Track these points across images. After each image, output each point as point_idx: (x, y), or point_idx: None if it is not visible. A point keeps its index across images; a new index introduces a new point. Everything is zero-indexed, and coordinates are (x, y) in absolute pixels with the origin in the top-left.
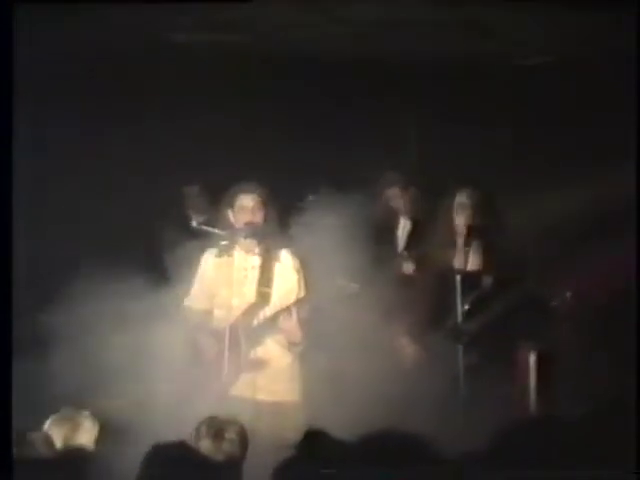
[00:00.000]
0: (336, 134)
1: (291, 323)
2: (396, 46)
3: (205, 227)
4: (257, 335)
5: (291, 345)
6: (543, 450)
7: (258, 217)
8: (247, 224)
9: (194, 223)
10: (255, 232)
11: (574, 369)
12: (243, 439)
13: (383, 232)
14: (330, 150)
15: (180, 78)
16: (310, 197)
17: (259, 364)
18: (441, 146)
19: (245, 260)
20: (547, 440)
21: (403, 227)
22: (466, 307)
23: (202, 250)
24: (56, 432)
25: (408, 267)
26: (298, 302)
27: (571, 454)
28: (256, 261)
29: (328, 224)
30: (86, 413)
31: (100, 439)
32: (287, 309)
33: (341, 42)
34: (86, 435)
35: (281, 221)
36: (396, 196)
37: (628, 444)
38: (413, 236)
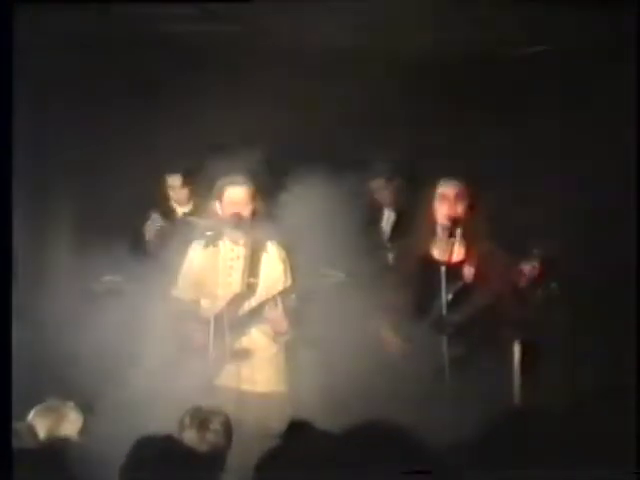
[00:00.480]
0: (321, 123)
1: (277, 313)
2: (385, 35)
3: (191, 218)
4: (242, 325)
5: (277, 335)
6: (528, 441)
7: (246, 210)
8: (234, 216)
9: (180, 214)
10: (241, 224)
11: (560, 359)
12: (227, 430)
13: (368, 223)
14: (315, 139)
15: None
16: (295, 187)
17: (244, 354)
18: (428, 136)
19: (232, 251)
20: (533, 431)
21: (387, 218)
22: (450, 297)
23: (189, 241)
24: (40, 423)
25: (392, 258)
26: (284, 292)
27: (556, 445)
28: (242, 252)
29: (312, 214)
30: (71, 404)
31: (84, 430)
32: (273, 299)
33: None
34: (70, 426)
35: (268, 213)
36: (381, 187)
37: (619, 438)
38: (397, 227)
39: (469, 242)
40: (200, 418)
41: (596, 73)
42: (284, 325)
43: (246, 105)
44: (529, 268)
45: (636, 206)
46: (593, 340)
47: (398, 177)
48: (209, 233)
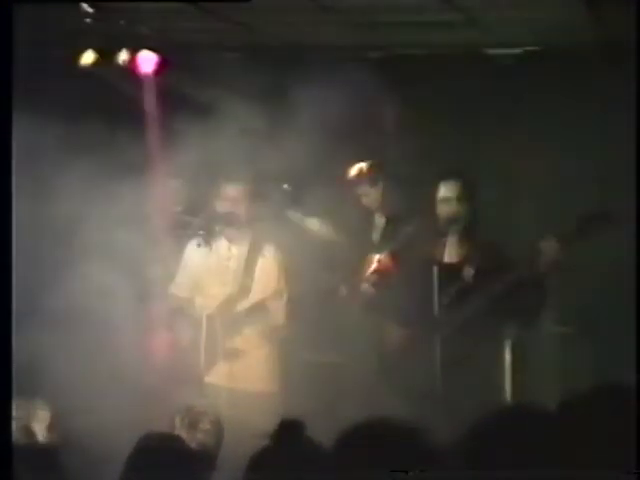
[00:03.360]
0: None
1: (275, 310)
2: (377, 34)
3: (184, 216)
4: (236, 325)
5: (273, 331)
6: (528, 441)
7: (241, 208)
8: (229, 214)
9: (175, 211)
10: (237, 223)
11: (553, 359)
12: (218, 429)
13: (359, 224)
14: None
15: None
16: (285, 186)
17: (236, 353)
18: (423, 138)
19: (228, 250)
20: (526, 430)
21: (379, 219)
22: (447, 298)
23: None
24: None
25: (387, 259)
26: (279, 292)
27: (555, 444)
28: (239, 252)
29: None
30: (40, 402)
31: (53, 427)
32: (268, 298)
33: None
34: (39, 425)
35: (264, 213)
36: (369, 190)
37: (619, 438)
38: (390, 228)
39: (468, 242)
40: (190, 418)
41: (596, 73)
42: (280, 323)
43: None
44: (549, 248)
45: (636, 205)
46: (592, 337)
47: (385, 179)
48: (202, 232)
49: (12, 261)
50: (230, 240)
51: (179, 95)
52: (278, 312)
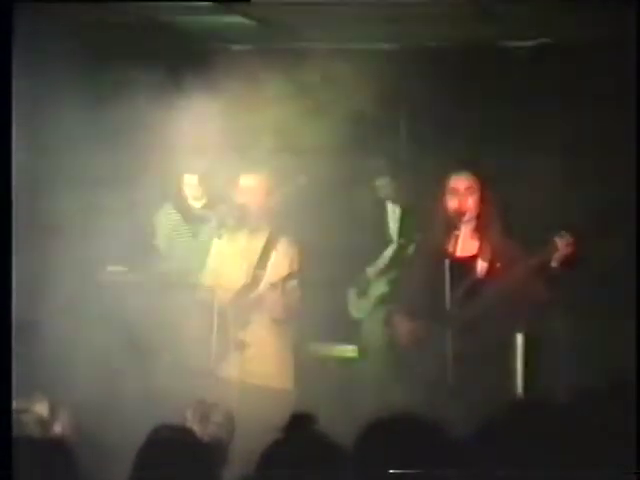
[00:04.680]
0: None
1: (274, 296)
2: (385, 28)
3: (204, 210)
4: (248, 316)
5: (275, 322)
6: (533, 434)
7: (258, 199)
8: (245, 205)
9: (192, 205)
10: (253, 214)
11: (565, 353)
12: (230, 423)
13: (373, 219)
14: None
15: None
16: (301, 178)
17: (247, 346)
18: (433, 130)
19: (244, 242)
20: (538, 424)
21: (393, 213)
22: (459, 292)
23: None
24: None
25: (400, 253)
26: (286, 278)
27: (556, 444)
28: (254, 243)
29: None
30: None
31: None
32: (275, 288)
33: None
34: (42, 419)
35: (277, 205)
36: (385, 183)
37: (619, 438)
38: (404, 222)
39: (482, 236)
40: (202, 411)
41: (596, 68)
42: (280, 310)
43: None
44: (564, 243)
45: (636, 203)
46: (605, 333)
47: (402, 173)
48: (215, 223)
49: (12, 258)
50: (246, 231)
51: None
52: (283, 303)
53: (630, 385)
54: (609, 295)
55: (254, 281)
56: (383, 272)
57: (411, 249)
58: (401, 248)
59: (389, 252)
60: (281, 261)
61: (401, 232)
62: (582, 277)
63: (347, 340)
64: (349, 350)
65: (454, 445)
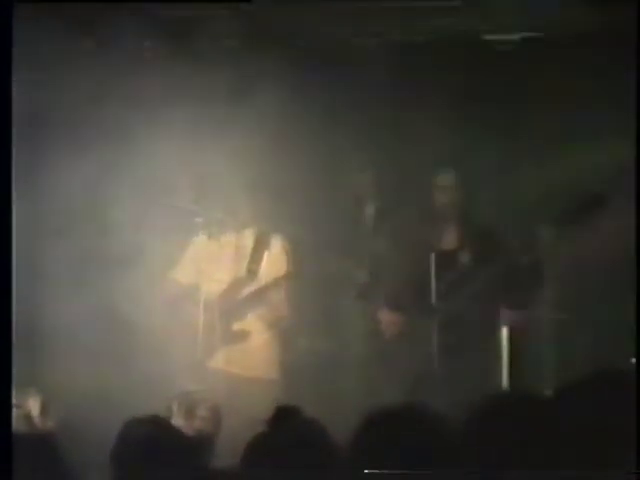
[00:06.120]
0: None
1: (279, 296)
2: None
3: (194, 206)
4: (239, 310)
5: (275, 320)
6: (518, 426)
7: (245, 197)
8: (228, 203)
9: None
10: (232, 211)
11: (549, 346)
12: (216, 416)
13: (354, 213)
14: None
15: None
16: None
17: (238, 338)
18: (414, 128)
19: (236, 238)
20: (523, 416)
21: (373, 207)
22: (444, 285)
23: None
24: None
25: (384, 246)
26: (285, 277)
27: (555, 444)
28: (246, 239)
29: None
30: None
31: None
32: (275, 283)
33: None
34: (33, 411)
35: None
36: (365, 178)
37: (619, 437)
38: (386, 216)
39: (466, 230)
40: (187, 405)
41: (596, 62)
42: (284, 310)
43: None
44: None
45: (636, 201)
46: (590, 323)
47: (383, 168)
48: (205, 220)
49: (12, 255)
50: (238, 228)
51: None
52: (281, 300)
53: (616, 378)
54: (595, 287)
55: (248, 276)
56: (368, 265)
57: (394, 243)
58: (384, 242)
59: (373, 247)
60: (275, 257)
61: (383, 227)
62: (567, 270)
63: (333, 332)
64: (335, 342)
65: (440, 438)
